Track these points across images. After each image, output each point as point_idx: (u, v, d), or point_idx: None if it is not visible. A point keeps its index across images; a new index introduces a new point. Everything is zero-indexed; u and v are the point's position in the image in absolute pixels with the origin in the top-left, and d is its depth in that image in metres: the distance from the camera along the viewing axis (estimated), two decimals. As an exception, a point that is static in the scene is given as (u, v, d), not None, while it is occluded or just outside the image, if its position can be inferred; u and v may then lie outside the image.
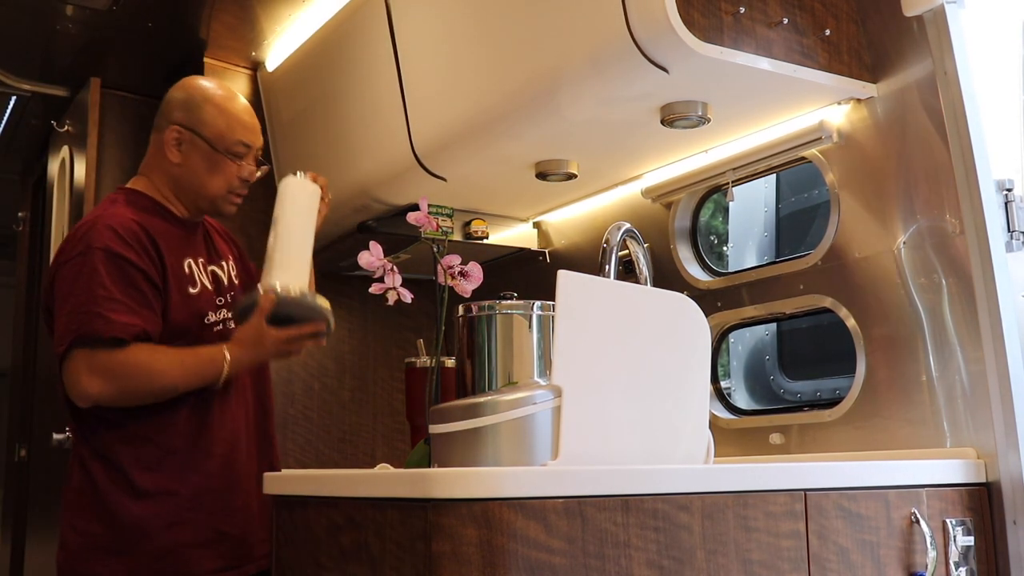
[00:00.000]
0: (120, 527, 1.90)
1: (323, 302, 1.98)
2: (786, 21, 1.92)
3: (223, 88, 2.10)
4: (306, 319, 1.96)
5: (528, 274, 2.99)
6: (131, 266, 1.89)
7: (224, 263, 2.12)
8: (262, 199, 2.30)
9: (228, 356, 1.92)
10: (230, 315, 2.04)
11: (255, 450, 2.07)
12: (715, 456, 1.63)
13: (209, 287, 2.03)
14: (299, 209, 2.04)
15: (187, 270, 1.99)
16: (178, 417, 1.95)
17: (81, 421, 1.97)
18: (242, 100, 2.10)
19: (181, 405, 1.94)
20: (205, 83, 2.11)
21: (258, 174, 2.11)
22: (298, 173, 2.06)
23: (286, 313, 1.93)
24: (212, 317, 2.00)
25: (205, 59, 3.17)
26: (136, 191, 2.06)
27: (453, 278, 1.76)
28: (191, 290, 1.98)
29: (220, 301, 2.05)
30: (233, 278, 2.12)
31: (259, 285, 1.98)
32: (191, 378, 1.92)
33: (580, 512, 1.30)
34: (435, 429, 1.53)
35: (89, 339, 1.85)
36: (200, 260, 2.04)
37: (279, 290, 1.93)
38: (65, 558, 1.94)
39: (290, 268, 1.97)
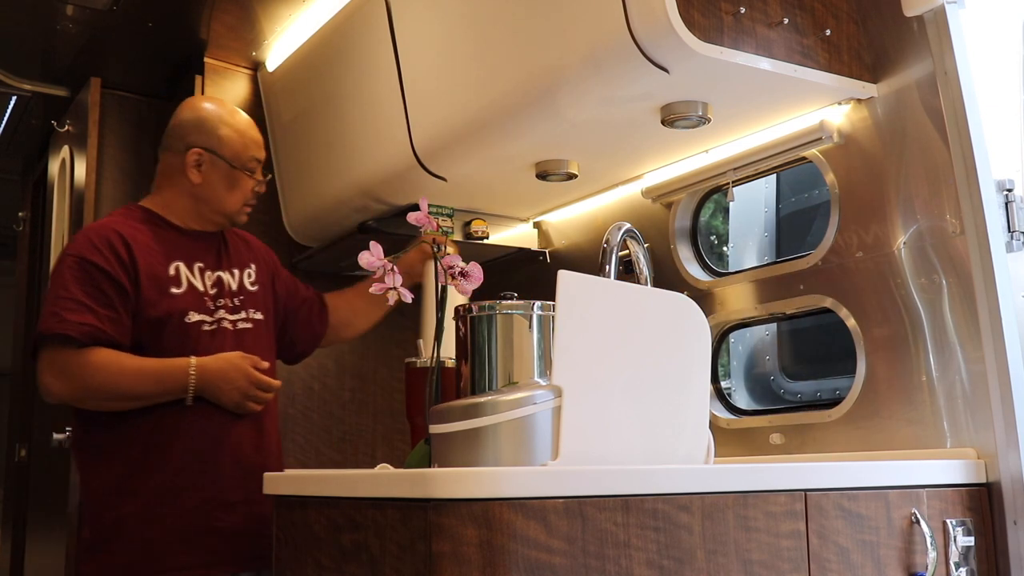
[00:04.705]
0: (100, 527, 2.01)
1: None
2: (786, 21, 1.92)
3: (229, 106, 2.24)
4: None
5: (528, 274, 2.99)
6: (96, 269, 2.00)
7: (237, 271, 2.20)
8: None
9: (194, 370, 1.99)
10: (234, 316, 2.13)
11: (250, 456, 2.11)
12: (715, 456, 1.63)
13: (200, 289, 2.11)
14: None
15: (172, 272, 2.08)
16: (138, 426, 2.02)
17: (74, 426, 2.10)
18: (246, 116, 2.24)
19: (145, 415, 2.02)
20: (211, 104, 2.25)
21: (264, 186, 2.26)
22: None
23: None
24: (195, 316, 2.08)
25: (205, 59, 3.17)
26: (137, 205, 2.21)
27: (453, 278, 1.76)
28: (173, 290, 2.07)
29: (219, 303, 2.12)
30: (247, 285, 2.20)
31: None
32: (152, 385, 2.00)
33: (580, 512, 1.30)
34: (435, 429, 1.53)
35: (45, 337, 1.98)
36: (198, 265, 2.13)
37: None
38: (75, 556, 2.08)
39: None
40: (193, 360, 2.00)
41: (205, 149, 2.15)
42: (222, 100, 2.27)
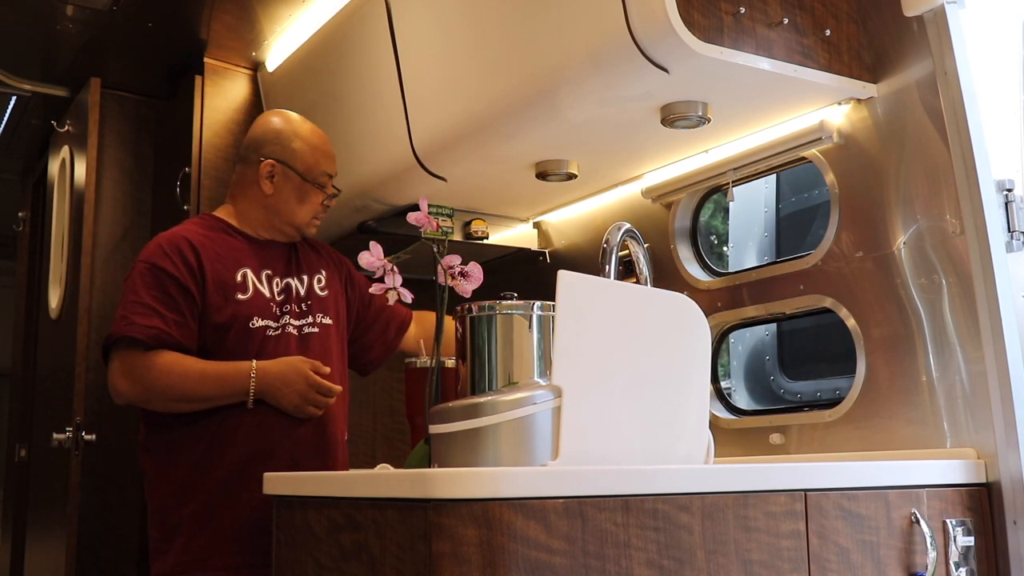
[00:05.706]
0: (166, 526, 2.06)
1: None
2: (786, 21, 1.92)
3: (303, 120, 2.29)
4: None
5: (528, 274, 2.99)
6: (165, 274, 2.06)
7: (306, 276, 2.24)
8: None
9: (254, 373, 2.03)
10: (300, 321, 2.18)
11: (308, 459, 2.13)
12: (715, 456, 1.63)
13: (267, 295, 2.15)
14: None
15: (239, 279, 2.13)
16: (202, 427, 2.06)
17: (142, 427, 2.15)
18: (320, 130, 2.29)
19: (209, 416, 2.06)
20: (287, 117, 2.30)
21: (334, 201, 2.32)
22: None
23: None
24: (260, 322, 2.12)
25: (205, 59, 3.17)
26: (211, 214, 2.28)
27: (453, 278, 1.76)
28: (239, 296, 2.12)
29: (285, 309, 2.17)
30: (317, 290, 2.24)
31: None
32: (214, 387, 2.04)
33: (580, 512, 1.30)
34: (435, 429, 1.53)
35: (114, 340, 2.04)
36: (266, 272, 2.18)
37: None
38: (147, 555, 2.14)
39: None
40: (254, 363, 2.04)
41: (278, 161, 2.21)
42: (294, 114, 2.31)
